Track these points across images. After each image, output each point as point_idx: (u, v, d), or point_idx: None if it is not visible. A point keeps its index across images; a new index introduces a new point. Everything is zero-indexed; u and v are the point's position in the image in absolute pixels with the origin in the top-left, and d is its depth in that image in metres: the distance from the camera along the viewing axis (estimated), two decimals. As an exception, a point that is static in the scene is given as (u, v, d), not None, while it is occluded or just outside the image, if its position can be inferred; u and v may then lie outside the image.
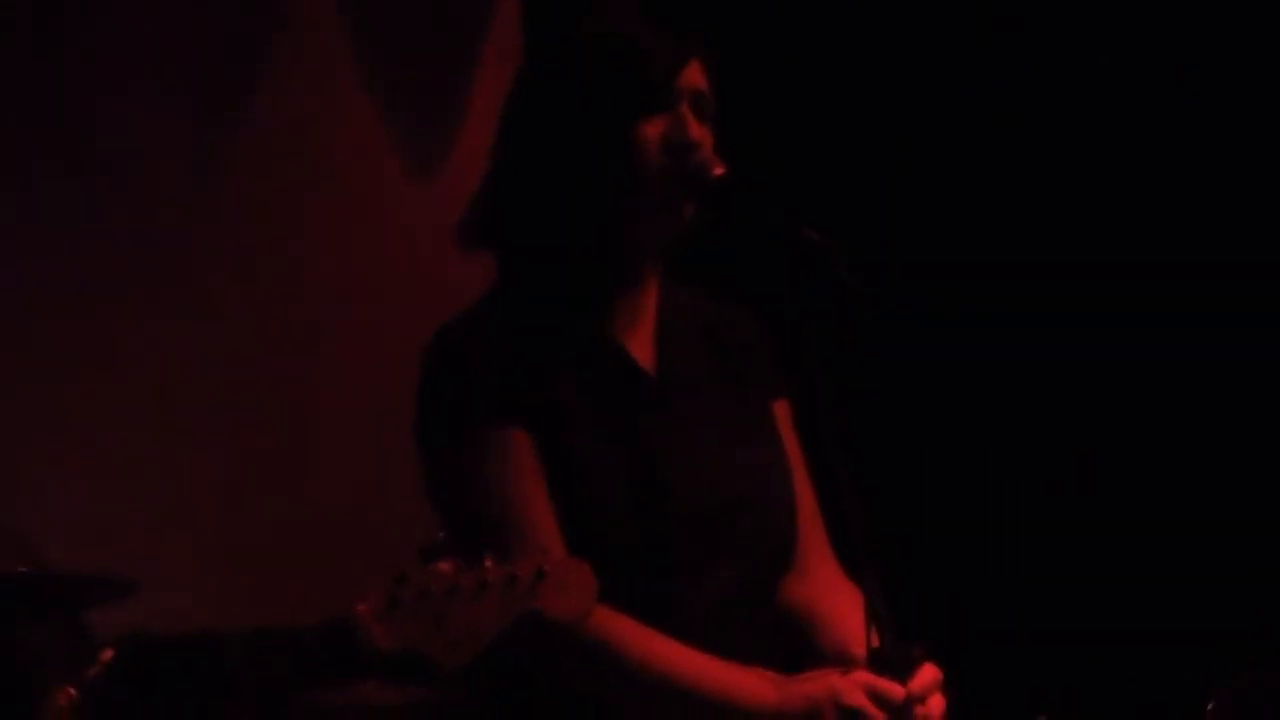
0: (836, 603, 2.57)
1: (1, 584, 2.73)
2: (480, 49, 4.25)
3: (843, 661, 2.49)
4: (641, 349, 2.57)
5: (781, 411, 2.67)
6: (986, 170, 4.29)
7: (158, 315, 3.84)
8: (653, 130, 2.49)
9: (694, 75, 2.53)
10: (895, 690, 2.38)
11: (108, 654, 2.65)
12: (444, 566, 2.18)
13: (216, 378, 3.89)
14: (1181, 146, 4.12)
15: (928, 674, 2.43)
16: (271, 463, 3.96)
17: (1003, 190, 4.25)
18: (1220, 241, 4.13)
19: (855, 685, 2.40)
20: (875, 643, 2.42)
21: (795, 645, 2.58)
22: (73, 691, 2.63)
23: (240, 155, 4.01)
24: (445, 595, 2.11)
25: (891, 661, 2.41)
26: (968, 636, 3.30)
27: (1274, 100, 4.15)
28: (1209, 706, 3.45)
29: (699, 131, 2.50)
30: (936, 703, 2.43)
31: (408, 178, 4.27)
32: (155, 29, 3.88)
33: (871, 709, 2.37)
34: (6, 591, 2.73)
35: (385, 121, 4.25)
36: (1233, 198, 4.15)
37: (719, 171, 2.48)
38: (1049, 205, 4.00)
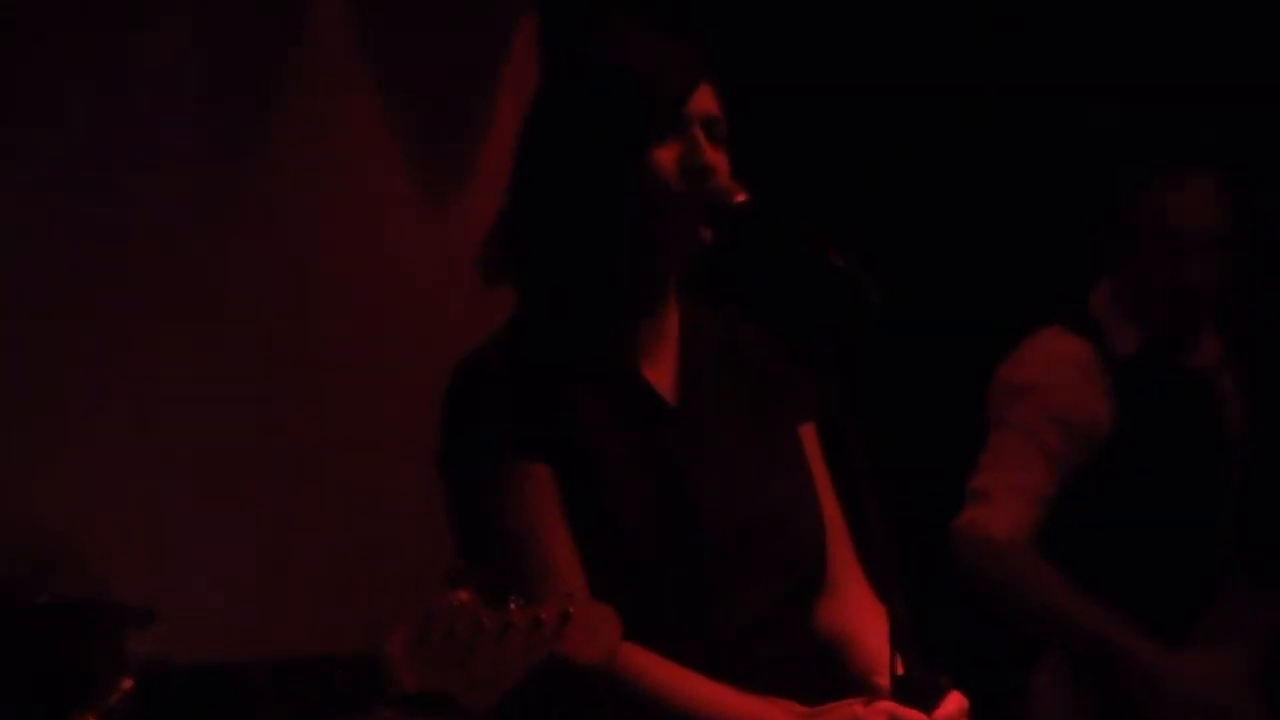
0: (866, 627, 2.55)
1: (21, 611, 2.74)
2: (497, 81, 4.24)
3: (870, 688, 2.48)
4: (663, 376, 2.56)
5: (808, 434, 2.66)
6: (1000, 187, 4.30)
7: (172, 346, 3.82)
8: (666, 155, 2.47)
9: (705, 99, 2.51)
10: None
11: (128, 683, 2.65)
12: (465, 598, 2.17)
13: (230, 409, 3.88)
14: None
15: (953, 703, 2.42)
16: (287, 495, 3.95)
17: (1020, 209, 4.28)
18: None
19: (878, 715, 2.39)
20: (900, 670, 2.41)
21: (830, 669, 2.57)
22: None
23: (254, 187, 4.00)
24: (471, 636, 2.10)
25: (916, 690, 2.40)
26: (996, 664, 3.32)
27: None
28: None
29: (713, 155, 2.49)
30: (962, 731, 2.43)
31: (424, 210, 4.26)
32: (170, 58, 3.87)
33: None
34: (28, 618, 2.74)
35: (402, 153, 4.25)
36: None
37: (740, 199, 2.47)
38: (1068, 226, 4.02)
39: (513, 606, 2.11)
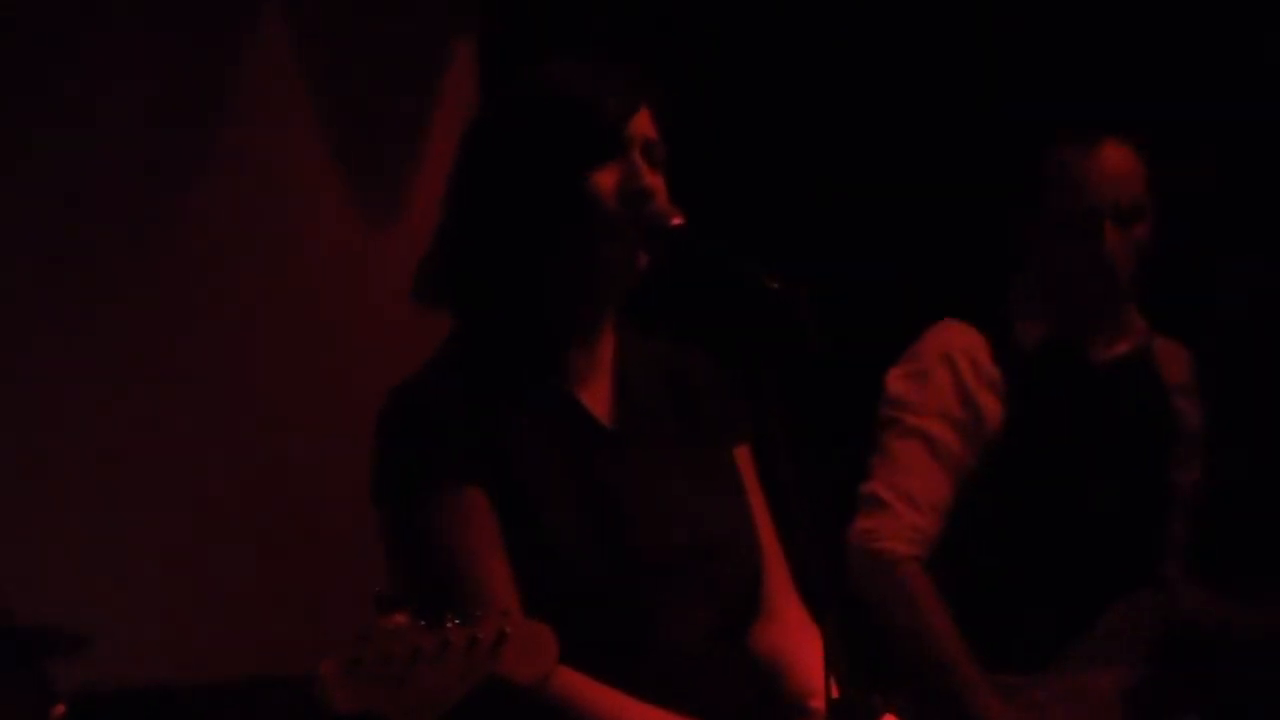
0: (802, 650, 2.56)
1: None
2: (435, 101, 4.24)
3: (806, 711, 2.48)
4: (599, 399, 2.56)
5: (743, 456, 2.67)
6: (936, 203, 4.32)
7: (105, 369, 3.81)
8: (605, 179, 2.48)
9: (643, 123, 2.52)
10: None
11: (60, 709, 2.63)
12: (402, 620, 2.17)
13: (168, 431, 3.87)
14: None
15: (888, 724, 2.43)
16: (226, 515, 3.94)
17: (955, 222, 4.28)
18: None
19: None
20: (834, 693, 2.41)
21: (766, 692, 2.57)
22: (25, 746, 2.61)
23: (192, 210, 4.00)
24: (407, 657, 2.10)
25: (851, 712, 2.40)
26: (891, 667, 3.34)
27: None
28: None
29: (651, 179, 2.50)
30: (897, 754, 2.44)
31: (362, 230, 4.26)
32: (110, 78, 3.86)
33: None
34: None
35: (340, 174, 4.25)
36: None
37: (677, 221, 2.47)
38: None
39: (449, 627, 2.10)
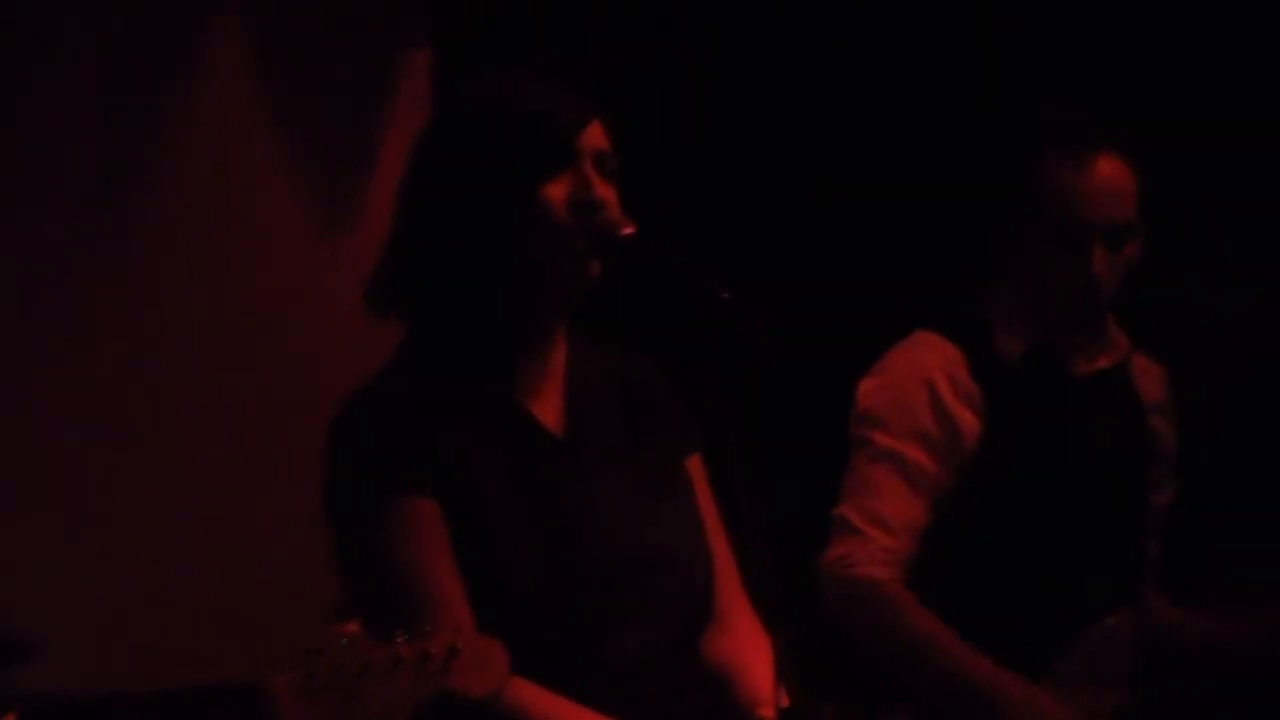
0: (753, 658, 2.57)
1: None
2: (389, 110, 4.23)
3: (756, 719, 2.49)
4: (549, 409, 2.57)
5: (694, 465, 2.68)
6: (890, 215, 4.31)
7: (61, 377, 3.80)
8: (557, 191, 2.48)
9: (595, 135, 2.53)
10: None
11: (10, 718, 2.63)
12: (353, 633, 2.17)
13: (123, 437, 3.86)
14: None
15: (838, 733, 2.44)
16: (182, 523, 3.93)
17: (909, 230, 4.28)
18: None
19: None
20: (785, 702, 2.42)
21: (717, 700, 2.58)
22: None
23: (143, 221, 3.99)
24: (358, 671, 2.10)
25: None
26: (881, 691, 3.32)
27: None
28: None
29: (603, 190, 2.50)
30: (847, 763, 2.45)
31: (317, 241, 4.25)
32: (63, 90, 3.85)
33: None
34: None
35: (295, 185, 4.24)
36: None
37: (627, 230, 2.48)
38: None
39: (400, 641, 2.11)
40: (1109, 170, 3.36)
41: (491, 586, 2.42)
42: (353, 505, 2.45)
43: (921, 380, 3.37)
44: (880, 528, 3.31)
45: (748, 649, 2.59)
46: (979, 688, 3.24)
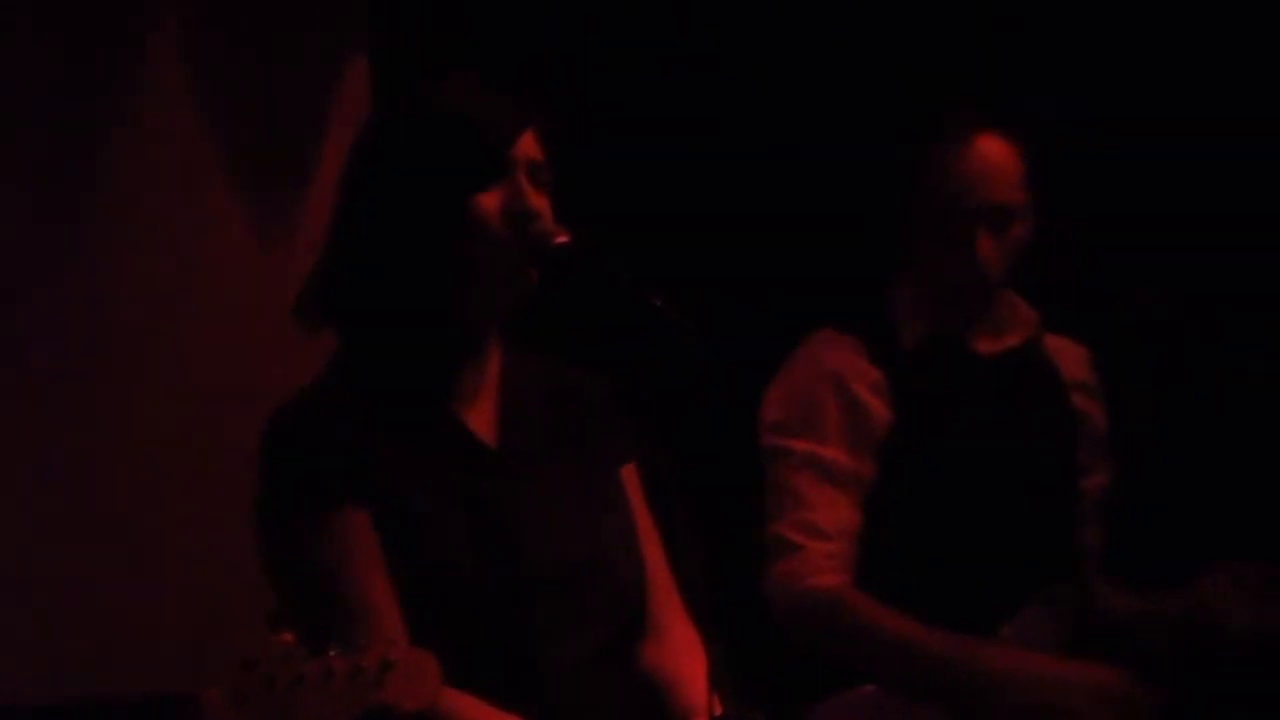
0: (688, 668, 2.58)
1: None
2: (328, 117, 4.22)
3: None
4: (483, 420, 2.57)
5: (629, 475, 2.68)
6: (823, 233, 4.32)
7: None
8: (490, 201, 2.48)
9: (529, 145, 2.53)
10: None
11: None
12: (286, 645, 2.16)
13: (54, 443, 3.84)
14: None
15: (771, 742, 2.45)
16: (115, 533, 3.91)
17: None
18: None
19: None
20: (719, 711, 2.43)
21: (652, 711, 2.58)
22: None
23: (82, 225, 3.97)
24: (290, 685, 2.09)
25: None
26: (815, 700, 3.33)
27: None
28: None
29: (537, 200, 2.51)
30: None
31: (254, 249, 4.24)
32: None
33: None
34: None
35: (231, 192, 4.22)
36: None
37: (561, 240, 2.48)
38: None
39: (332, 654, 2.10)
40: (988, 151, 3.30)
41: (424, 598, 2.42)
42: (284, 518, 2.45)
43: (825, 376, 3.33)
44: (819, 537, 3.26)
45: (682, 658, 2.60)
46: (973, 670, 3.19)
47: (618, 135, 4.24)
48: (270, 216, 4.24)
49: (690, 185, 4.33)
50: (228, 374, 4.09)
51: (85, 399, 3.93)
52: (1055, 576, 3.37)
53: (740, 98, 4.36)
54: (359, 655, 2.10)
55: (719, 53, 4.37)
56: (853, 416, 3.32)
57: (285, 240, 4.21)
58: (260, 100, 4.24)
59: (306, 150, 4.21)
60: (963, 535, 3.30)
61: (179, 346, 4.09)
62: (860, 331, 3.38)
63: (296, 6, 4.31)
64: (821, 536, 3.27)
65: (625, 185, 4.24)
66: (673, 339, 2.41)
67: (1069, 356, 3.52)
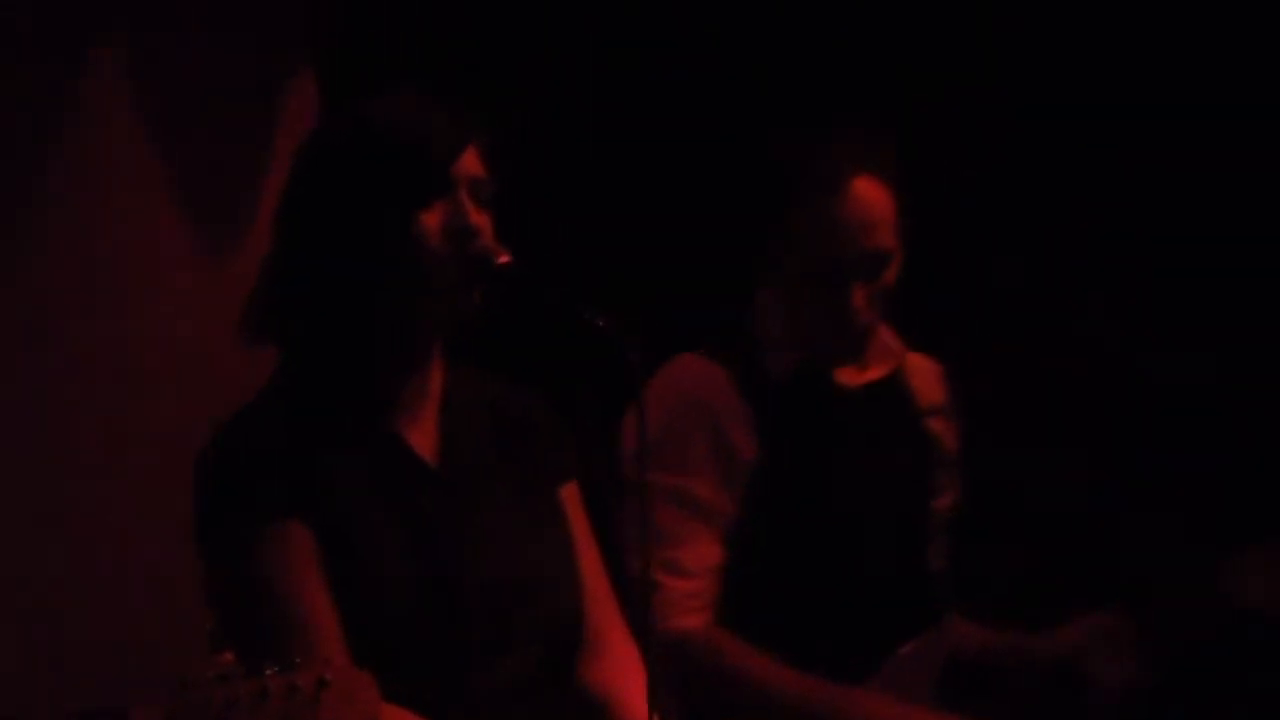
0: (629, 685, 2.59)
1: None
2: (274, 133, 4.21)
3: None
4: (424, 437, 2.56)
5: (570, 494, 2.68)
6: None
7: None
8: (431, 219, 2.47)
9: (470, 161, 2.52)
10: None
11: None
12: (224, 665, 2.15)
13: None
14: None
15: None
16: (53, 549, 3.89)
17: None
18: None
19: None
20: (658, 728, 2.42)
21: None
22: None
23: (29, 241, 3.94)
24: (224, 705, 2.08)
25: None
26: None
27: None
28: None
29: (478, 217, 2.50)
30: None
31: (203, 263, 4.22)
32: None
33: None
34: None
35: (177, 211, 4.21)
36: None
37: (503, 259, 2.47)
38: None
39: (268, 674, 2.09)
40: (864, 198, 3.17)
41: (364, 615, 2.41)
42: (223, 533, 2.43)
43: (694, 408, 3.20)
44: (680, 575, 3.16)
45: (622, 675, 2.61)
46: (833, 712, 3.14)
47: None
48: (217, 231, 4.23)
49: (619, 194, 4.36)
50: (176, 390, 4.08)
51: (35, 417, 3.91)
52: (919, 609, 3.33)
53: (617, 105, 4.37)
54: (294, 674, 2.09)
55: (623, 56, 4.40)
56: (721, 452, 3.19)
57: (232, 255, 4.20)
58: (207, 117, 4.23)
59: (253, 166, 4.20)
60: (826, 573, 3.21)
61: (126, 363, 4.07)
62: (727, 360, 3.26)
63: (242, 19, 4.30)
64: (683, 574, 3.16)
65: (559, 197, 4.26)
66: (616, 358, 2.41)
67: (925, 379, 3.45)
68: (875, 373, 3.37)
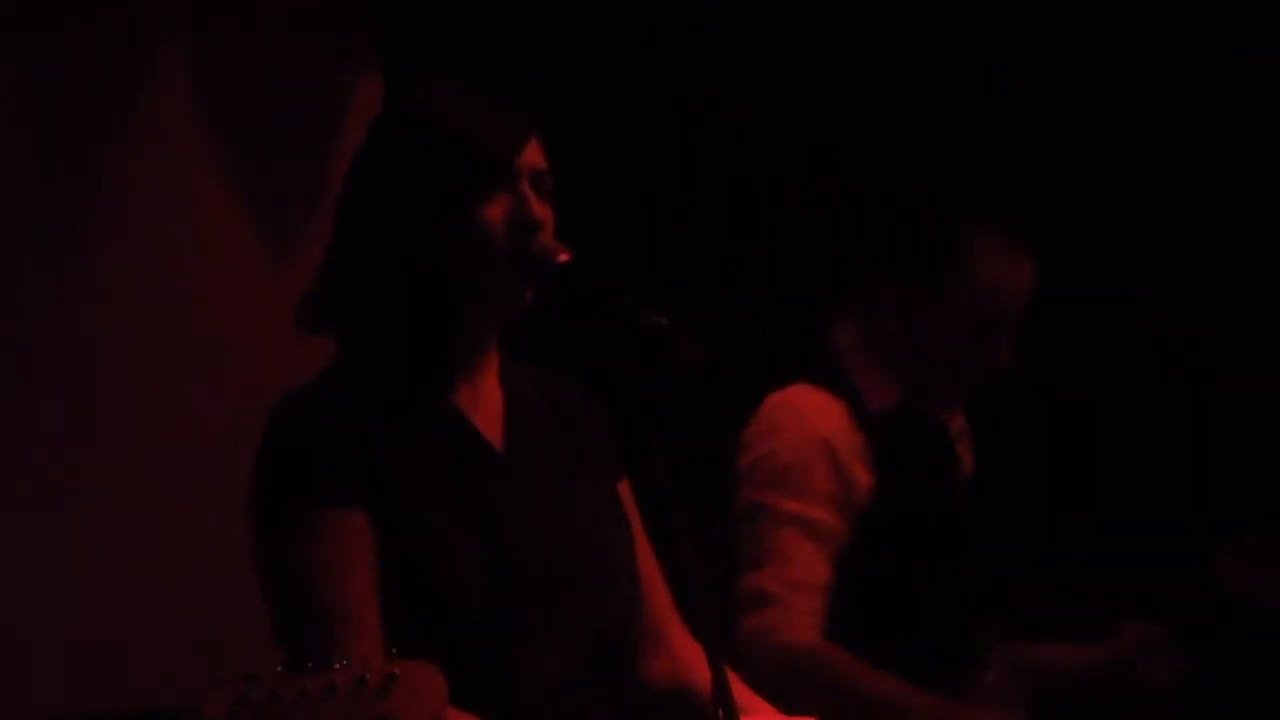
0: (694, 679, 2.62)
1: None
2: (340, 136, 4.22)
3: None
4: (488, 420, 2.56)
5: (625, 492, 2.69)
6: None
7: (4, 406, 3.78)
8: (494, 211, 2.48)
9: (533, 154, 2.53)
10: None
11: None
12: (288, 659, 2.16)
13: (55, 456, 3.84)
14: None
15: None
16: (115, 550, 3.91)
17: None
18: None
19: None
20: (723, 721, 2.43)
21: (654, 717, 2.61)
22: None
23: (91, 243, 3.97)
24: (294, 698, 2.08)
25: None
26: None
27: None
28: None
29: (541, 210, 2.50)
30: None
31: (268, 268, 4.24)
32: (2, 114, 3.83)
33: None
34: None
35: (245, 212, 4.23)
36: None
37: (563, 258, 2.48)
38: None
39: (337, 667, 2.10)
40: (1025, 261, 3.41)
41: (425, 597, 2.41)
42: (279, 515, 2.43)
43: (816, 440, 3.37)
44: (796, 591, 3.31)
45: (686, 670, 2.64)
46: None
47: (623, 146, 4.26)
48: (282, 234, 4.25)
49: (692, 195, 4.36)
50: (237, 392, 4.09)
51: (96, 424, 3.93)
52: (981, 634, 3.50)
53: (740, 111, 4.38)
54: (363, 668, 2.10)
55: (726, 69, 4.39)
56: (841, 482, 3.37)
57: (297, 258, 4.21)
58: (271, 122, 4.25)
59: (319, 172, 4.21)
60: (929, 597, 3.39)
61: (188, 364, 4.09)
62: (838, 392, 3.42)
63: (308, 22, 4.31)
64: (800, 590, 3.31)
65: (629, 196, 4.25)
66: (673, 359, 2.40)
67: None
68: (958, 415, 3.56)
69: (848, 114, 4.40)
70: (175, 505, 4.01)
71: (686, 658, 2.64)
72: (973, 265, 3.40)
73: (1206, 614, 3.62)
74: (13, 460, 3.82)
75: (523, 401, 2.62)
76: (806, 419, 3.39)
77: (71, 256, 3.96)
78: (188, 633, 3.90)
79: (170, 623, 3.95)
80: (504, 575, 2.45)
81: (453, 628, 2.40)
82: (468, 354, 2.56)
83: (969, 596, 3.45)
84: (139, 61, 4.08)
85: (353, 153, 2.58)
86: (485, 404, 2.58)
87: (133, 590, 3.94)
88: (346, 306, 2.53)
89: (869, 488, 3.37)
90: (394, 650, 2.09)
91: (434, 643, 2.22)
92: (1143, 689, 3.49)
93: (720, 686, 2.38)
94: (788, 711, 2.66)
